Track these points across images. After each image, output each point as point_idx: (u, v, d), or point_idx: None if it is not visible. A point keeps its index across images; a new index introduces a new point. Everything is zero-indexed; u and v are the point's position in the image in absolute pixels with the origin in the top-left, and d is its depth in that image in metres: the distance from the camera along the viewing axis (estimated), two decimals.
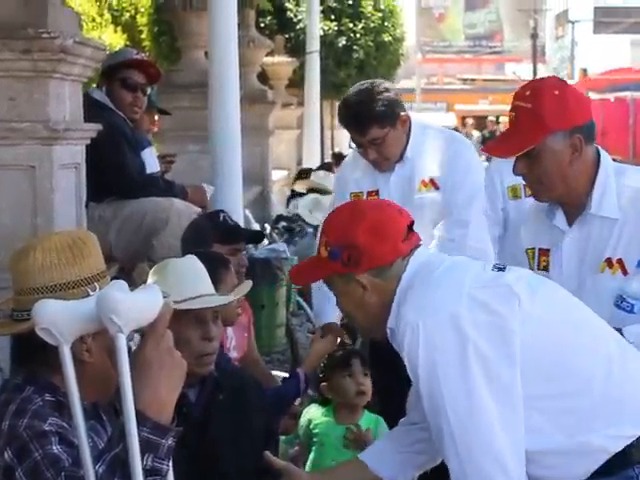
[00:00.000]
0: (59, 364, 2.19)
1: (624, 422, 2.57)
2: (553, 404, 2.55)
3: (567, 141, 3.11)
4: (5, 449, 2.24)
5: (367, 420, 4.03)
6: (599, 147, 3.23)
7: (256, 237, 5.04)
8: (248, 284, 3.57)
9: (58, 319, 2.14)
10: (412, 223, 2.73)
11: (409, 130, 4.42)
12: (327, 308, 4.12)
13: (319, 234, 2.82)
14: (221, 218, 4.47)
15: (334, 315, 4.14)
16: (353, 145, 4.58)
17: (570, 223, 3.24)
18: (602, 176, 3.17)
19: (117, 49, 5.68)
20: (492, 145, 3.47)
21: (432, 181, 4.42)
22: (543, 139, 3.09)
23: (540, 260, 3.30)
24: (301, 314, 7.48)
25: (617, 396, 2.59)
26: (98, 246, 2.45)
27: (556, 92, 3.12)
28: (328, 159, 16.87)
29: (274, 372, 5.18)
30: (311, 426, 4.03)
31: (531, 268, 3.27)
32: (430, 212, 4.37)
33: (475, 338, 2.48)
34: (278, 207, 11.62)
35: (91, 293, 2.29)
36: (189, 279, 3.18)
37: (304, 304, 7.46)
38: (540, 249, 3.32)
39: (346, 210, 2.79)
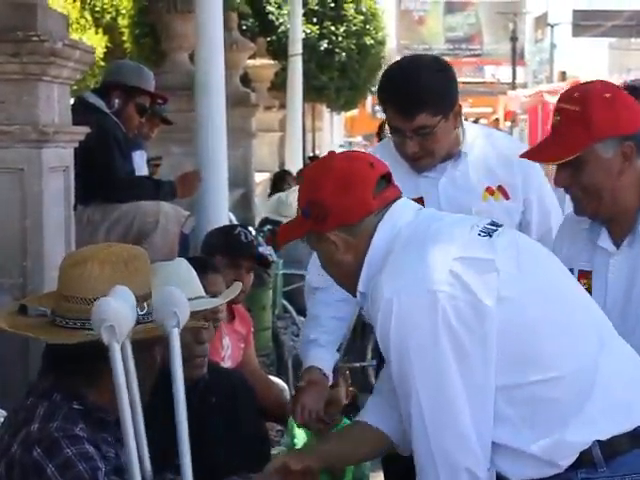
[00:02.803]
0: (96, 376, 2.29)
1: (583, 425, 2.40)
2: (520, 394, 2.41)
3: (617, 149, 2.83)
4: (33, 447, 2.23)
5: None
6: None
7: (263, 262, 4.94)
8: (237, 286, 3.56)
9: (120, 317, 2.19)
10: (389, 175, 2.58)
11: (461, 123, 3.48)
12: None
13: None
14: (236, 231, 4.51)
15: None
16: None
17: (617, 243, 2.93)
18: None
19: (138, 66, 5.76)
20: (534, 150, 3.10)
21: (501, 188, 3.50)
22: (591, 146, 2.83)
23: (579, 283, 2.86)
24: (287, 317, 7.49)
25: (583, 395, 2.42)
26: (149, 265, 2.47)
27: (607, 95, 2.85)
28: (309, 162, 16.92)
29: None
30: (293, 433, 4.02)
31: None
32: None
33: (450, 318, 2.36)
34: (261, 210, 11.61)
35: (139, 312, 2.32)
36: (178, 283, 3.17)
37: (290, 307, 7.47)
38: (580, 271, 2.97)
39: (318, 165, 2.71)
